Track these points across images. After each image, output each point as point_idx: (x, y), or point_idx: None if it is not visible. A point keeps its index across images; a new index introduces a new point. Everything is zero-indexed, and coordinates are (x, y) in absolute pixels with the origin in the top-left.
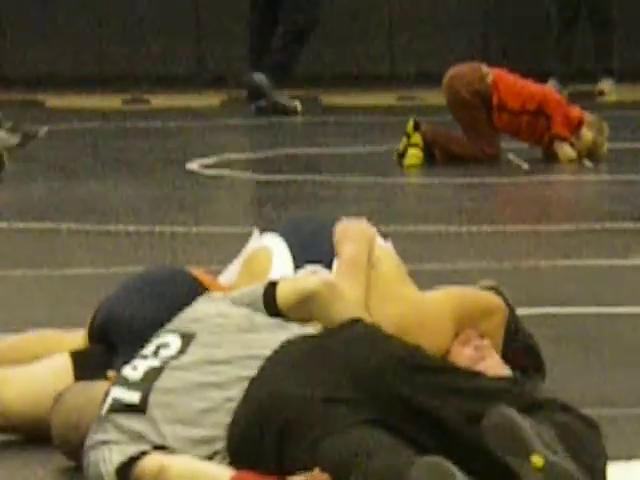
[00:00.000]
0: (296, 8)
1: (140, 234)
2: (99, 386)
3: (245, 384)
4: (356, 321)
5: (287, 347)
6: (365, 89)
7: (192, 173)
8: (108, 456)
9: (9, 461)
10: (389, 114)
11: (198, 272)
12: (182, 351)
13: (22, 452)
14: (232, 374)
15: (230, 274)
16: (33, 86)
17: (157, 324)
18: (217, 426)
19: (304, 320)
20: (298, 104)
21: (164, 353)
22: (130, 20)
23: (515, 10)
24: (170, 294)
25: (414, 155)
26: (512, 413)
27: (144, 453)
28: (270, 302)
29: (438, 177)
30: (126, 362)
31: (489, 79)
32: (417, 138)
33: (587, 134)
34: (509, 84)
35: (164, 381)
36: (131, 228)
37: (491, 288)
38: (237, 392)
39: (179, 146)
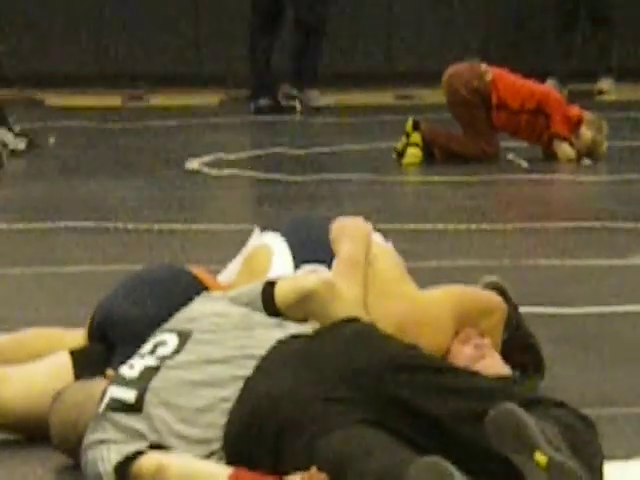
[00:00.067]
0: (309, 8)
1: (139, 232)
2: (98, 384)
3: (240, 384)
4: (352, 320)
5: (283, 346)
6: (363, 88)
7: (191, 172)
8: (106, 455)
9: (8, 460)
10: (387, 113)
11: (197, 271)
12: (178, 350)
13: (21, 450)
14: (228, 373)
15: (230, 272)
16: (32, 84)
17: (156, 323)
18: (213, 426)
19: (302, 319)
20: (297, 103)
21: (161, 352)
22: (129, 19)
23: (514, 9)
24: (169, 293)
25: (413, 154)
26: (517, 410)
27: (142, 452)
28: (268, 301)
29: (437, 175)
30: (124, 361)
31: (488, 78)
32: (416, 137)
33: (586, 133)
34: (508, 83)
35: (160, 380)
36: (130, 226)
37: (494, 285)
38: (233, 391)
39: (178, 145)
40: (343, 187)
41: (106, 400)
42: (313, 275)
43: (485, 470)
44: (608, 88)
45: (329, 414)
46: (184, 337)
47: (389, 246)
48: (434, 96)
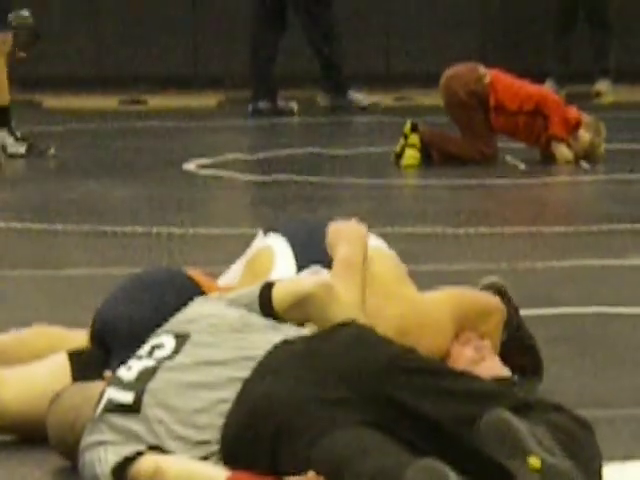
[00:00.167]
0: (321, 11)
1: (137, 235)
2: (95, 386)
3: (238, 385)
4: (350, 322)
5: (281, 348)
6: (361, 90)
7: (189, 174)
8: (104, 457)
9: (6, 461)
10: (386, 115)
11: (195, 273)
12: (176, 352)
13: (19, 452)
14: (225, 375)
15: (233, 275)
16: (30, 87)
17: (154, 325)
18: (210, 428)
19: (300, 322)
20: (294, 105)
21: (158, 354)
22: (127, 21)
23: (513, 11)
24: (167, 296)
25: (411, 156)
26: (508, 415)
27: (140, 454)
28: (266, 303)
29: (435, 178)
30: (122, 363)
31: (486, 80)
32: (414, 139)
33: (584, 135)
34: (506, 85)
35: (158, 382)
36: (128, 229)
37: (494, 286)
38: (230, 393)
39: (176, 147)
40: (341, 189)
41: (104, 402)
42: (310, 277)
43: (482, 473)
44: (606, 90)
45: (327, 416)
46: (182, 339)
47: (386, 246)
48: (432, 98)
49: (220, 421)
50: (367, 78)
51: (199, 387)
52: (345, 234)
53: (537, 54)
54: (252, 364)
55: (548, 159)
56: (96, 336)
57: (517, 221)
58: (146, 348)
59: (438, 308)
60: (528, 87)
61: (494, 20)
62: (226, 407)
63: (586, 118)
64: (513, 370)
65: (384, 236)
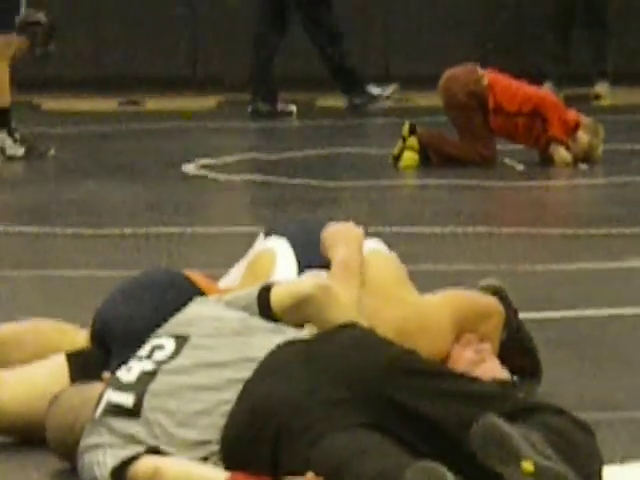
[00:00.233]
0: (321, 11)
1: (136, 236)
2: (94, 388)
3: (240, 387)
4: (351, 324)
5: (282, 350)
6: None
7: (188, 175)
8: (102, 459)
9: (4, 463)
10: (385, 116)
11: (194, 275)
12: (176, 354)
13: (17, 454)
14: (227, 377)
15: (233, 277)
16: (29, 89)
17: (153, 327)
18: (211, 428)
19: (298, 324)
20: (293, 107)
21: (158, 356)
22: (125, 22)
23: (512, 12)
24: (167, 297)
25: (410, 158)
26: (498, 421)
27: (138, 456)
28: (264, 305)
29: (434, 179)
30: (122, 363)
31: (485, 81)
32: (413, 141)
33: (583, 137)
34: (505, 86)
35: (158, 384)
36: (127, 230)
37: (493, 287)
38: (232, 394)
39: (175, 148)
40: (340, 190)
41: (103, 404)
42: (309, 279)
43: (481, 475)
44: (604, 92)
45: (327, 417)
46: (181, 341)
47: (387, 251)
48: (431, 100)
49: (221, 422)
50: (366, 79)
51: (200, 389)
52: (341, 236)
53: (536, 56)
54: (253, 365)
55: (547, 161)
56: (96, 336)
57: (516, 223)
58: (146, 349)
59: (438, 310)
60: (527, 89)
61: (493, 22)
62: (227, 408)
63: (585, 120)
64: (512, 372)
65: (383, 237)
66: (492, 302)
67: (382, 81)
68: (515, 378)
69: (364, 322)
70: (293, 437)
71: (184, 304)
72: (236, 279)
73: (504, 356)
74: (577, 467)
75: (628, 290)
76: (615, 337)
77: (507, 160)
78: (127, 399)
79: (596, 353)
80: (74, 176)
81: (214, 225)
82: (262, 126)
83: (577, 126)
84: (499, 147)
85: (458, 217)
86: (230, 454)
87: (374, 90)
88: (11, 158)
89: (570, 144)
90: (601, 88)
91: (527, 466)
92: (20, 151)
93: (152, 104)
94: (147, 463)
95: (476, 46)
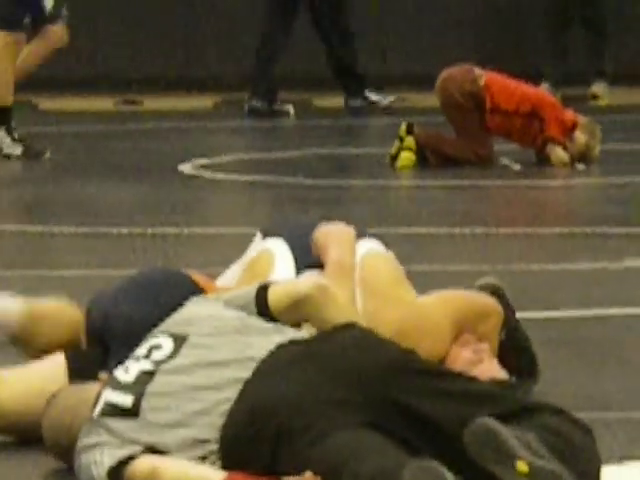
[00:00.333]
0: (338, 10)
1: (133, 236)
2: (91, 388)
3: (239, 386)
4: (351, 324)
5: (281, 350)
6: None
7: (185, 175)
8: (100, 459)
9: (2, 462)
10: (381, 116)
11: (193, 274)
12: (175, 353)
13: (15, 453)
14: (226, 376)
15: (231, 276)
16: (26, 88)
17: (151, 324)
18: (210, 427)
19: (296, 323)
20: (290, 108)
21: (156, 355)
22: (123, 22)
23: (508, 12)
24: (165, 296)
25: (407, 158)
26: (491, 423)
27: (136, 455)
28: (262, 305)
29: (430, 179)
30: (120, 362)
31: (482, 81)
32: (410, 141)
33: (580, 137)
34: (502, 86)
35: (156, 384)
36: (124, 230)
37: (492, 287)
38: (231, 394)
39: (172, 148)
40: (337, 191)
41: (101, 404)
42: (306, 279)
43: (480, 475)
44: (601, 92)
45: (327, 417)
46: (180, 341)
47: (385, 251)
48: (428, 100)
49: (220, 421)
50: (367, 83)
51: (199, 389)
52: (334, 236)
53: (533, 56)
54: (253, 365)
55: (543, 161)
56: (93, 334)
57: (512, 223)
58: (143, 349)
59: (437, 311)
60: (524, 89)
61: (491, 21)
62: (227, 407)
63: (582, 120)
64: (510, 372)
65: (380, 237)
66: (491, 302)
67: (380, 81)
68: (513, 378)
69: (362, 322)
70: (293, 437)
71: (181, 302)
72: (233, 278)
73: (501, 356)
74: (575, 467)
75: (625, 290)
76: (612, 337)
77: (504, 160)
78: (125, 399)
79: (593, 353)
80: (71, 175)
81: (211, 225)
82: (259, 126)
83: (574, 126)
84: (496, 147)
85: (454, 217)
86: (229, 453)
87: (373, 96)
88: (8, 157)
89: (567, 144)
90: (598, 88)
91: (521, 466)
92: (17, 150)
93: (149, 104)
94: (144, 463)
95: (474, 46)
